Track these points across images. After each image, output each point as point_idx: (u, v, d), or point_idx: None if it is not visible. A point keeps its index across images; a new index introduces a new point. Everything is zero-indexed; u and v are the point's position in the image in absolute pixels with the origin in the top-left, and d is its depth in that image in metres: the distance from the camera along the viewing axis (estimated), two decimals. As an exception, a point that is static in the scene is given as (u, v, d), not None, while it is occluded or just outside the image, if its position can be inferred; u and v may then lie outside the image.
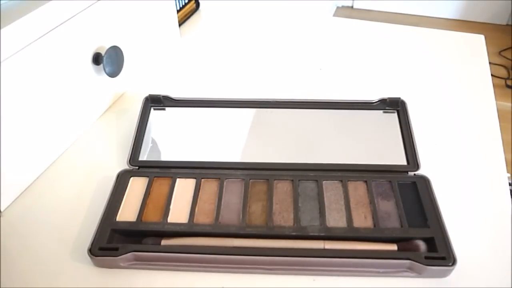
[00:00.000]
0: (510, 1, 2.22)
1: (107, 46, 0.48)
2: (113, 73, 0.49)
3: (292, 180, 0.40)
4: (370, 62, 0.62)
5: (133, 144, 0.43)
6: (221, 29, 0.72)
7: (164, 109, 0.47)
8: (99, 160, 0.46)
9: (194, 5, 0.76)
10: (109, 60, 0.48)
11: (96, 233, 0.35)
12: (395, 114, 0.45)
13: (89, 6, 0.46)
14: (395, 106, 0.45)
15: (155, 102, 0.47)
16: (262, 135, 0.45)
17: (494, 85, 0.57)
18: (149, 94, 0.47)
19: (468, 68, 0.61)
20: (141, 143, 0.43)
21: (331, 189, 0.39)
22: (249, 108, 0.47)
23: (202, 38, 0.70)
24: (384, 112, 0.45)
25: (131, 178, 0.41)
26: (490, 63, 0.62)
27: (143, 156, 0.43)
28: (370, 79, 0.58)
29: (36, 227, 0.39)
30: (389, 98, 0.46)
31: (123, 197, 0.39)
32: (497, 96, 0.55)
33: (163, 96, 0.47)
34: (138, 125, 0.45)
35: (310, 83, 0.58)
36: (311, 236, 0.35)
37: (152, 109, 0.46)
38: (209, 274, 0.34)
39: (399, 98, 0.46)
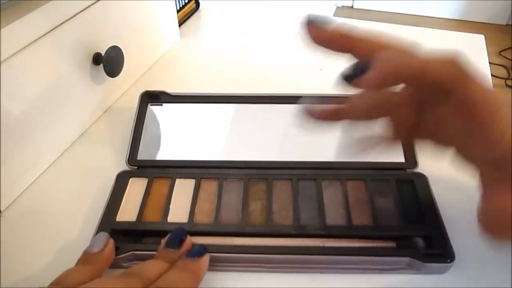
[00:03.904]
0: (510, 1, 2.22)
1: (107, 46, 0.48)
2: (113, 73, 0.49)
3: (291, 179, 0.40)
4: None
5: (131, 144, 0.43)
6: (221, 29, 0.73)
7: (161, 105, 0.47)
8: (99, 160, 0.46)
9: (194, 5, 0.76)
10: (109, 60, 0.48)
11: (96, 233, 0.35)
12: None
13: (89, 6, 0.46)
14: None
15: (152, 98, 0.47)
16: (261, 133, 0.44)
17: (494, 85, 0.57)
18: (145, 90, 0.47)
19: (467, 67, 0.61)
20: (139, 142, 0.43)
21: (330, 188, 0.39)
22: (247, 104, 0.46)
23: (202, 38, 0.70)
24: None
25: (131, 179, 0.41)
26: (490, 63, 0.62)
27: (142, 156, 0.43)
28: (369, 78, 0.58)
29: (36, 227, 0.39)
30: None
31: (122, 197, 0.39)
32: (496, 95, 0.55)
33: (160, 92, 0.47)
34: (136, 122, 0.44)
35: (310, 83, 0.58)
36: (311, 235, 0.35)
37: (149, 105, 0.46)
38: (208, 273, 0.34)
39: None
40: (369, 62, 0.28)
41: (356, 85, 0.29)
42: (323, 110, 0.32)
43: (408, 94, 0.30)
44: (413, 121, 0.30)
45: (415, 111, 0.30)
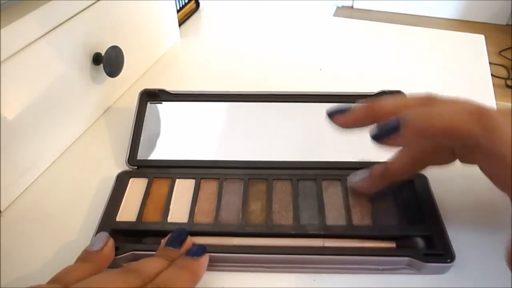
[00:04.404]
0: (510, 1, 2.22)
1: (107, 46, 0.48)
2: (113, 73, 0.49)
3: (291, 180, 0.40)
4: (370, 62, 0.62)
5: (131, 143, 0.43)
6: (221, 29, 0.73)
7: (160, 103, 0.46)
8: (99, 160, 0.46)
9: (194, 5, 0.76)
10: (109, 60, 0.48)
11: (96, 233, 0.35)
12: None
13: (89, 6, 0.46)
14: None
15: (151, 96, 0.46)
16: (261, 132, 0.44)
17: (494, 85, 0.57)
18: (145, 89, 0.46)
19: (468, 68, 0.61)
20: (139, 141, 0.43)
21: (330, 188, 0.39)
22: (247, 102, 0.46)
23: (202, 38, 0.70)
24: None
25: (131, 179, 0.41)
26: (490, 63, 0.62)
27: (142, 155, 0.43)
28: (370, 79, 0.58)
29: (36, 227, 0.39)
30: (389, 90, 0.45)
31: (122, 197, 0.39)
32: (497, 96, 0.55)
33: (159, 90, 0.46)
34: (135, 121, 0.44)
35: (310, 83, 0.58)
36: (311, 235, 0.35)
37: (148, 104, 0.46)
38: (208, 273, 0.34)
39: (399, 91, 0.45)
40: (396, 121, 0.30)
41: (387, 143, 0.31)
42: (371, 182, 0.37)
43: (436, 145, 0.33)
44: (446, 162, 0.34)
45: (448, 156, 0.33)
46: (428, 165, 0.36)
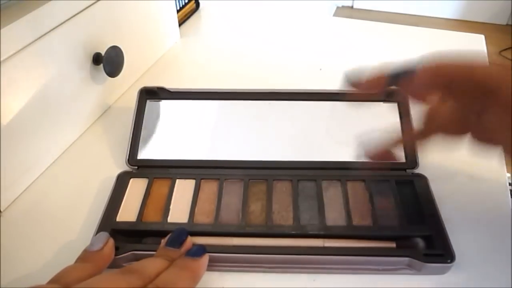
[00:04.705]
0: (510, 1, 2.22)
1: (107, 46, 0.48)
2: (113, 73, 0.49)
3: (291, 180, 0.40)
4: (370, 62, 0.62)
5: (130, 142, 0.43)
6: (221, 29, 0.73)
7: (160, 101, 0.46)
8: (99, 160, 0.46)
9: (194, 5, 0.76)
10: (109, 60, 0.48)
11: (97, 233, 0.35)
12: (396, 107, 0.44)
13: (89, 6, 0.46)
14: (395, 96, 0.45)
15: (151, 94, 0.46)
16: (261, 131, 0.44)
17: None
18: (144, 86, 0.46)
19: (467, 67, 0.61)
20: (139, 140, 0.43)
21: (330, 188, 0.39)
22: (246, 101, 0.46)
23: (202, 38, 0.70)
24: (384, 102, 0.45)
25: (131, 180, 0.41)
26: (490, 63, 0.62)
27: (142, 155, 0.43)
28: (369, 78, 0.58)
29: (36, 227, 0.39)
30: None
31: (123, 198, 0.39)
32: (496, 95, 0.55)
33: (158, 88, 0.46)
34: (135, 119, 0.44)
35: (310, 83, 0.58)
36: (311, 235, 0.35)
37: (148, 102, 0.46)
38: (208, 273, 0.34)
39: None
40: (415, 65, 0.30)
41: (403, 85, 0.30)
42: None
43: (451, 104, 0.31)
44: (456, 132, 0.31)
45: (459, 123, 0.31)
46: (438, 131, 0.33)
